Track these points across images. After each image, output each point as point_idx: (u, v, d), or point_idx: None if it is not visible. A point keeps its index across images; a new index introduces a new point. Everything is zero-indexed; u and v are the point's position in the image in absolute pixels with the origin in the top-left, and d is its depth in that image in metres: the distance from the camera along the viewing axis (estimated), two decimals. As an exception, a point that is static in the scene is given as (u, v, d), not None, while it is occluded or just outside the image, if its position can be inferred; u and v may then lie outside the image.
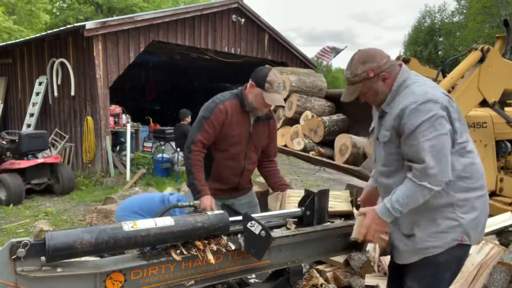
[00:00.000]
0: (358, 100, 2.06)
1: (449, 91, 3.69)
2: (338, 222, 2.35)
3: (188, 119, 8.58)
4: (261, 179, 3.57)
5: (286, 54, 12.16)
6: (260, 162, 2.93)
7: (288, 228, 2.14)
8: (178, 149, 8.53)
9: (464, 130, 1.93)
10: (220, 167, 2.71)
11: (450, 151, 1.83)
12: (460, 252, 1.96)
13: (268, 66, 2.66)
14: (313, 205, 2.19)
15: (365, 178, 3.42)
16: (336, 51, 12.06)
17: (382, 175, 2.07)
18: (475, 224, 1.93)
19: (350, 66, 1.98)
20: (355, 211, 2.35)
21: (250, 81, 2.60)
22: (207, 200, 2.50)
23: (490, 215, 3.78)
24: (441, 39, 31.41)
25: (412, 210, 1.87)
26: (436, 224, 1.91)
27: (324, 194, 2.22)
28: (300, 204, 2.25)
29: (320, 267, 3.40)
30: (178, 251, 1.78)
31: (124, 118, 9.36)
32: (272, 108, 2.73)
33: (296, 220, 2.22)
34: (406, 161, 1.87)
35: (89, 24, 7.85)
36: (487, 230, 3.46)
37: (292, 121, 4.50)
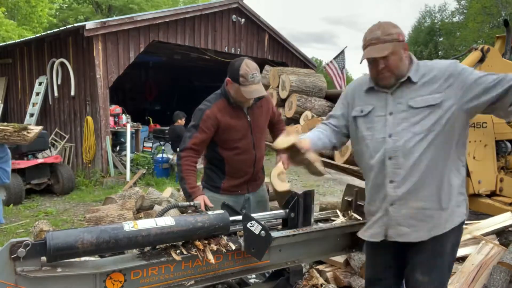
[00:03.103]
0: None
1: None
2: (338, 222, 2.35)
3: (182, 121, 8.58)
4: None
5: (286, 54, 12.16)
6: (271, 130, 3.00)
7: None
8: (178, 149, 8.53)
9: None
10: (234, 164, 2.70)
11: None
12: (460, 232, 2.04)
13: (240, 58, 2.58)
14: (298, 207, 2.14)
15: (365, 178, 3.42)
16: (340, 58, 11.83)
17: (408, 149, 1.94)
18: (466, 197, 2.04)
19: (379, 27, 1.95)
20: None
21: (227, 77, 2.59)
22: (199, 200, 2.48)
23: (490, 215, 3.80)
24: (441, 39, 31.43)
25: (435, 185, 1.91)
26: (452, 199, 1.96)
27: (309, 196, 2.17)
28: (285, 206, 2.20)
29: (320, 267, 3.40)
30: (178, 251, 1.78)
31: (124, 118, 9.36)
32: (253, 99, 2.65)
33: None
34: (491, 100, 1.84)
35: (89, 24, 7.85)
36: (487, 230, 3.47)
37: (292, 121, 4.50)
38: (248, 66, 2.50)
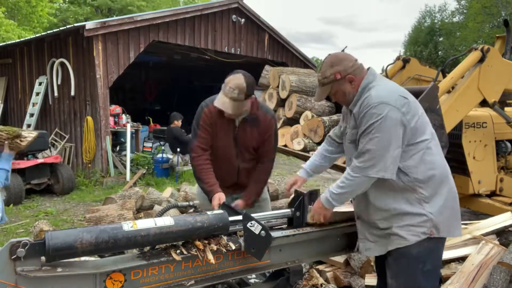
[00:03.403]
0: (330, 100, 2.21)
1: (449, 91, 3.70)
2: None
3: (178, 122, 8.57)
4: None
5: (286, 54, 12.16)
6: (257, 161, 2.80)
7: None
8: (178, 149, 8.53)
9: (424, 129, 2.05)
10: (215, 168, 2.67)
11: (403, 148, 1.98)
12: (431, 244, 2.04)
13: (239, 70, 2.53)
14: (303, 206, 2.21)
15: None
16: None
17: None
18: (444, 218, 2.04)
19: (320, 69, 2.14)
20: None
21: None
22: (215, 200, 2.46)
23: (490, 215, 3.79)
24: (441, 39, 31.41)
25: (382, 205, 2.06)
26: (406, 218, 2.03)
27: (314, 195, 2.24)
28: (290, 204, 2.27)
29: (320, 267, 3.40)
30: (178, 251, 1.78)
31: (124, 118, 9.35)
32: (245, 109, 2.55)
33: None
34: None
35: (89, 24, 7.85)
36: (487, 230, 3.47)
37: (292, 121, 4.50)
38: (235, 79, 2.43)
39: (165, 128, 9.75)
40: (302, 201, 2.21)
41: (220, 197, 2.46)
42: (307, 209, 2.22)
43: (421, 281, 2.05)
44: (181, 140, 8.36)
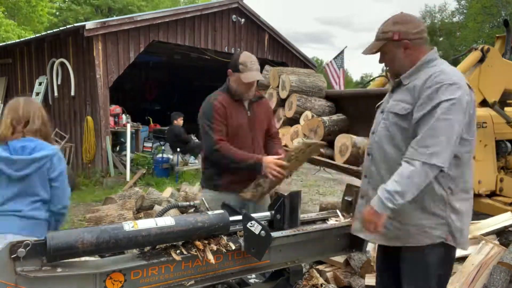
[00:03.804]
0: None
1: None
2: (337, 222, 2.35)
3: (178, 121, 8.57)
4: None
5: (286, 54, 12.15)
6: (265, 143, 2.94)
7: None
8: (178, 149, 8.53)
9: (471, 130, 1.91)
10: None
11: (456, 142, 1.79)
12: (446, 251, 1.93)
13: (239, 50, 2.79)
14: (284, 208, 2.10)
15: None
16: (340, 58, 11.89)
17: (380, 147, 2.00)
18: (461, 226, 1.93)
19: (384, 23, 1.97)
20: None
21: (228, 71, 2.71)
22: (267, 160, 2.54)
23: (490, 215, 3.79)
24: (441, 39, 31.40)
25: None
26: (423, 217, 1.89)
27: (295, 197, 2.13)
28: (270, 207, 2.18)
29: (320, 267, 3.40)
30: (178, 251, 1.78)
31: (124, 118, 9.35)
32: (252, 88, 2.72)
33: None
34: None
35: (89, 24, 7.85)
36: (487, 230, 3.47)
37: (292, 121, 4.50)
38: (246, 55, 2.67)
39: (165, 128, 9.76)
40: (282, 203, 2.09)
41: (269, 158, 2.57)
42: (288, 211, 2.10)
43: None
44: (180, 139, 8.36)
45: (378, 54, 2.01)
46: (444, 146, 1.73)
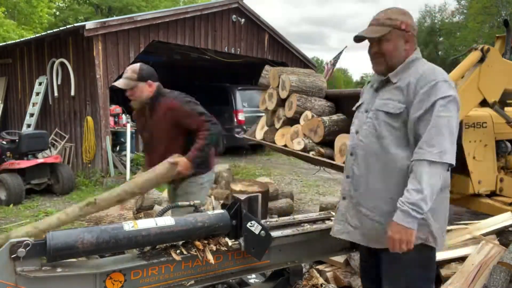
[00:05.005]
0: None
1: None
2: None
3: None
4: (261, 179, 3.56)
5: (286, 54, 12.16)
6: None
7: None
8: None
9: None
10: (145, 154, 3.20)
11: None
12: (426, 251, 1.87)
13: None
14: (240, 214, 1.91)
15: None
16: (337, 57, 12.22)
17: (366, 146, 1.94)
18: (440, 226, 1.88)
19: (386, 11, 1.91)
20: None
21: None
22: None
23: (490, 215, 3.79)
24: (441, 39, 31.42)
25: (384, 194, 1.83)
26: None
27: (253, 201, 2.02)
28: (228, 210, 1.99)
29: (320, 267, 3.39)
30: (178, 251, 1.78)
31: (124, 118, 9.35)
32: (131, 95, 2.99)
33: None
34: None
35: (89, 24, 7.84)
36: (487, 230, 3.47)
37: (292, 121, 4.50)
38: (132, 65, 3.01)
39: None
40: (239, 208, 1.90)
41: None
42: (245, 216, 1.90)
43: None
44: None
45: (366, 44, 1.95)
46: (449, 143, 1.72)
